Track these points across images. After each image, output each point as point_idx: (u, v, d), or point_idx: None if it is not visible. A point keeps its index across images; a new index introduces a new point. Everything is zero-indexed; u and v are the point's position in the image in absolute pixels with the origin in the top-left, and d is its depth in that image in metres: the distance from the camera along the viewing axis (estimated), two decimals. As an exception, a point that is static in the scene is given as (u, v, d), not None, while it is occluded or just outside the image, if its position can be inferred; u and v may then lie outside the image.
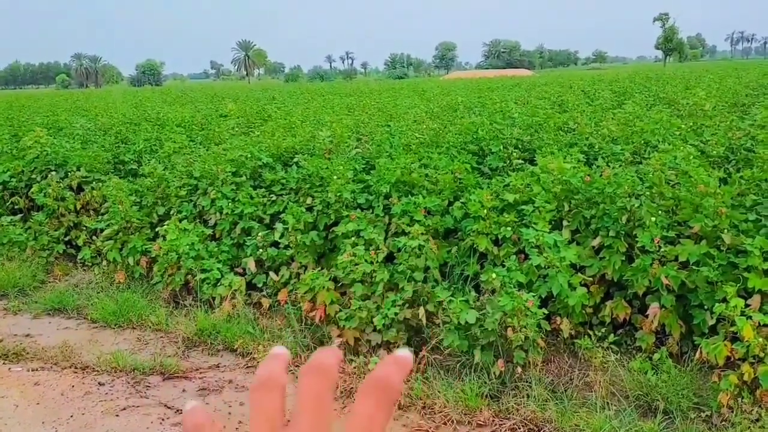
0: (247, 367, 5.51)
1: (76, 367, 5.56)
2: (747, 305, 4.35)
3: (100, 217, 8.04)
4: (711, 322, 4.61)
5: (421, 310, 5.34)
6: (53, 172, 8.73)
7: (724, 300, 4.37)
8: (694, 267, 4.91)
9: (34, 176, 9.14)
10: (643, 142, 7.93)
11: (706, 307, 4.74)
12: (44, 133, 9.79)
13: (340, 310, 5.53)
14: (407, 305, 5.45)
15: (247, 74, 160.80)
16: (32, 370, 5.55)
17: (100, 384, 5.29)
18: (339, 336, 5.43)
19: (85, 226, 8.13)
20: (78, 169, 8.88)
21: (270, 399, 0.51)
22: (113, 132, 12.26)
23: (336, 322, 5.52)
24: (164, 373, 5.43)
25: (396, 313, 5.25)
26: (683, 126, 8.55)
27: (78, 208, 8.49)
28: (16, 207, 9.13)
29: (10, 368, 5.59)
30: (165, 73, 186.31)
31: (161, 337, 6.15)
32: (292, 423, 0.49)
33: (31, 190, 8.72)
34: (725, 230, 4.96)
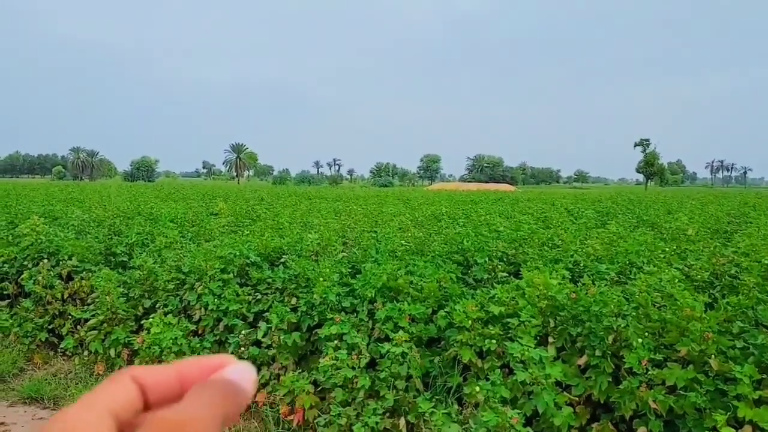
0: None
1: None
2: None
3: (86, 306, 7.97)
4: (699, 450, 4.54)
5: (402, 421, 5.25)
6: (45, 260, 8.71)
7: (714, 429, 4.33)
8: (681, 392, 4.88)
9: (26, 263, 9.12)
10: (627, 262, 8.05)
11: (693, 434, 4.67)
12: (41, 221, 9.83)
13: (319, 415, 5.42)
14: (388, 414, 5.35)
15: (237, 175, 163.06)
16: (3, 460, 5.36)
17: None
18: (318, 443, 5.29)
19: (71, 315, 8.04)
20: (69, 258, 8.88)
21: None
22: (107, 224, 12.33)
23: (314, 428, 5.39)
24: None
25: (377, 422, 5.15)
26: (667, 249, 8.70)
27: (65, 297, 8.42)
28: (4, 293, 9.07)
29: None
30: (158, 170, 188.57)
31: (136, 432, 5.96)
32: None
33: (22, 276, 8.68)
34: (713, 356, 4.96)
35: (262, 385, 6.34)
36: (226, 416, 0.45)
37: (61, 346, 7.74)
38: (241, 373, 0.49)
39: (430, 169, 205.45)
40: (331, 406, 5.44)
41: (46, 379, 7.06)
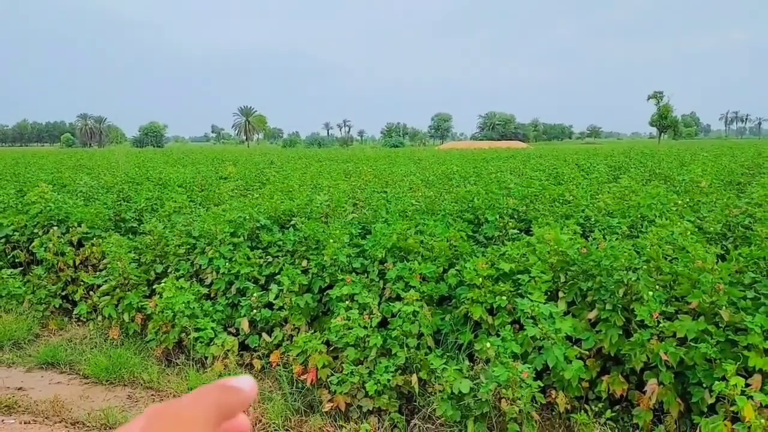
0: (237, 429, 5.40)
1: (67, 423, 5.50)
2: (747, 385, 4.31)
3: (98, 272, 8.03)
4: (710, 401, 4.53)
5: (414, 378, 5.28)
6: (55, 227, 8.77)
7: (724, 378, 4.32)
8: (692, 344, 4.87)
9: (36, 231, 9.18)
10: (639, 216, 7.98)
11: (705, 385, 4.67)
12: (49, 188, 9.86)
13: (332, 374, 5.46)
14: (400, 372, 5.39)
15: (246, 139, 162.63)
16: (25, 423, 5.50)
17: (90, 440, 5.22)
18: (330, 401, 5.34)
19: (83, 281, 8.11)
20: (79, 225, 8.93)
21: None
22: (115, 190, 12.38)
23: (327, 386, 5.44)
24: (154, 433, 5.31)
25: (389, 380, 5.18)
26: (680, 201, 8.62)
27: (77, 264, 8.50)
28: (16, 260, 9.17)
29: (3, 420, 5.55)
30: (167, 135, 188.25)
31: (152, 395, 6.07)
32: None
33: (33, 244, 8.76)
34: (723, 307, 4.93)
35: (276, 346, 6.40)
36: (220, 407, 0.48)
37: (75, 312, 7.83)
38: (238, 380, 0.53)
39: (441, 128, 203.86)
40: (343, 365, 5.48)
41: (61, 345, 7.16)
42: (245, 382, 0.53)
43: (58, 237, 8.55)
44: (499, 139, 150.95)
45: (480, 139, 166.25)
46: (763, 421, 4.06)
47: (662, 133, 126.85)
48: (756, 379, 4.41)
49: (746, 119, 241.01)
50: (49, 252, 8.40)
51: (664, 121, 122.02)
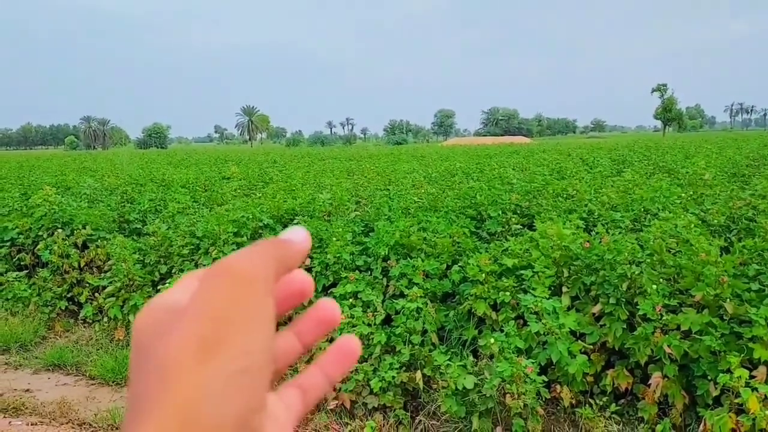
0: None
1: (74, 423, 5.53)
2: (752, 376, 4.30)
3: (103, 274, 8.06)
4: (715, 393, 4.53)
5: (418, 374, 5.28)
6: (59, 230, 8.80)
7: (729, 371, 4.32)
8: (696, 336, 4.86)
9: (40, 233, 9.21)
10: (642, 209, 7.97)
11: (709, 377, 4.66)
12: (53, 191, 9.89)
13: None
14: (404, 368, 5.39)
15: (250, 138, 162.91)
16: (31, 425, 5.52)
17: (97, 441, 5.25)
18: (335, 398, 5.35)
19: (88, 283, 8.14)
20: (84, 227, 8.95)
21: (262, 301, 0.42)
22: (119, 192, 12.42)
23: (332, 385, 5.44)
24: (160, 433, 5.33)
25: (393, 377, 5.19)
26: (683, 194, 8.60)
27: (82, 266, 8.53)
28: (22, 263, 9.19)
29: (10, 422, 5.58)
30: (170, 136, 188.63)
31: (158, 395, 6.08)
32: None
33: (38, 246, 8.80)
34: (728, 299, 4.93)
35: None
36: (279, 261, 0.44)
37: (80, 313, 7.85)
38: (290, 231, 0.49)
39: (444, 124, 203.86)
40: (348, 362, 5.48)
41: (67, 347, 7.18)
42: (298, 234, 0.49)
43: (62, 239, 8.57)
44: (502, 135, 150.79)
45: (483, 135, 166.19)
46: (767, 412, 4.05)
47: (667, 126, 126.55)
48: (761, 371, 4.40)
49: (751, 110, 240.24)
50: (54, 254, 8.43)
51: (668, 114, 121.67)
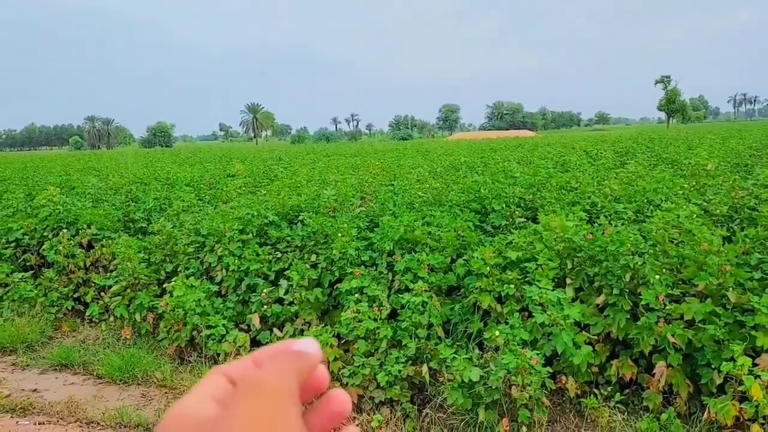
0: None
1: (81, 423, 5.56)
2: (755, 364, 4.32)
3: (108, 273, 8.10)
4: (719, 381, 4.55)
5: (425, 368, 5.32)
6: (64, 230, 8.83)
7: (732, 359, 4.34)
8: (700, 325, 4.89)
9: (46, 234, 9.25)
10: (645, 200, 7.99)
11: (713, 366, 4.69)
12: (57, 191, 9.93)
13: (344, 367, 5.51)
14: (410, 362, 5.43)
15: (254, 136, 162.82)
16: (39, 424, 5.56)
17: (105, 439, 5.29)
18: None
19: (94, 283, 8.18)
20: (89, 227, 9.00)
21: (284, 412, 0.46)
22: (124, 191, 12.47)
23: (339, 379, 5.48)
24: (168, 430, 5.38)
25: (399, 371, 5.23)
26: (686, 185, 8.61)
27: (87, 265, 8.57)
28: (27, 264, 9.23)
29: (18, 422, 5.60)
30: (175, 135, 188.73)
31: (166, 393, 6.12)
32: None
33: (43, 247, 8.83)
34: (730, 288, 4.95)
35: (287, 341, 6.43)
36: (299, 372, 0.48)
37: (87, 313, 7.89)
38: (304, 343, 0.52)
39: (449, 119, 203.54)
40: (354, 357, 5.52)
41: (74, 346, 7.21)
42: (312, 346, 0.52)
43: (68, 239, 8.62)
44: (507, 129, 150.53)
45: (488, 129, 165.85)
46: (771, 399, 4.08)
47: (671, 118, 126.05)
48: (764, 359, 4.42)
49: (755, 101, 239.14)
50: (59, 254, 8.47)
51: (672, 106, 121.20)
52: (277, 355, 0.49)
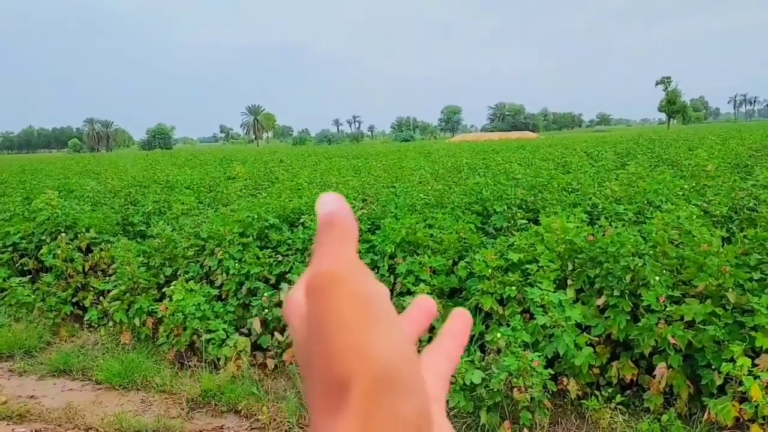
0: (252, 429, 5.45)
1: (80, 428, 5.53)
2: (755, 365, 4.32)
3: (107, 278, 8.07)
4: (719, 382, 4.55)
5: (426, 370, 5.30)
6: (63, 234, 8.78)
7: (732, 359, 4.34)
8: (700, 326, 4.88)
9: (44, 238, 9.19)
10: (646, 202, 7.99)
11: (713, 366, 4.69)
12: (55, 195, 9.92)
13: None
14: (412, 365, 5.42)
15: (255, 138, 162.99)
16: (36, 431, 5.52)
17: (103, 445, 5.27)
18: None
19: (93, 287, 8.14)
20: (87, 231, 8.96)
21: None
22: (123, 194, 12.45)
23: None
24: (168, 436, 5.37)
25: (401, 374, 5.21)
26: (686, 186, 8.62)
27: (86, 269, 8.52)
28: (25, 268, 9.17)
29: (14, 429, 5.56)
30: (175, 137, 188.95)
31: (165, 398, 6.10)
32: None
33: (41, 251, 8.77)
34: (730, 289, 4.95)
35: (288, 345, 6.43)
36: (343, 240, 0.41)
37: (85, 318, 7.84)
38: (324, 206, 0.43)
39: (451, 120, 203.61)
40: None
41: (73, 352, 7.16)
42: (328, 203, 0.42)
43: (66, 243, 8.56)
44: (509, 130, 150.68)
45: (490, 130, 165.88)
46: (771, 400, 4.07)
47: (671, 119, 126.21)
48: (763, 359, 4.41)
49: (755, 101, 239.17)
50: (57, 259, 8.41)
51: (672, 107, 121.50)
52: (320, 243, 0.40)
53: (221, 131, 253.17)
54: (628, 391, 5.23)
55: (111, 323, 7.44)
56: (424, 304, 0.51)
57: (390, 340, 0.37)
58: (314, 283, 0.38)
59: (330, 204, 0.42)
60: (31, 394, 6.34)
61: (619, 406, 4.87)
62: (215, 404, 5.85)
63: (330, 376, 0.36)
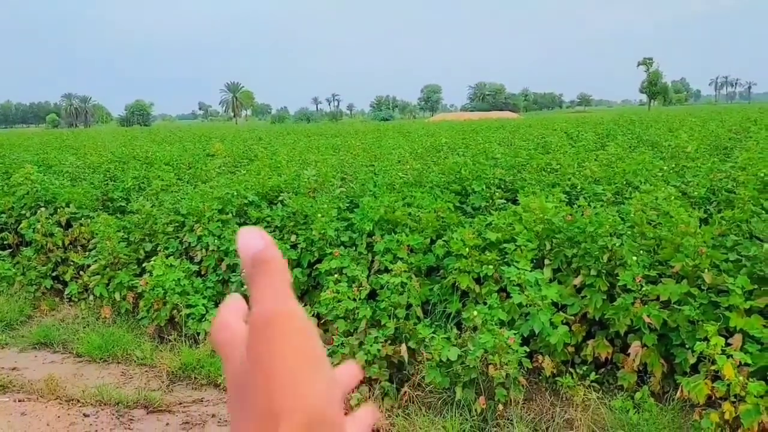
0: (231, 401, 5.49)
1: (61, 400, 5.56)
2: (728, 344, 4.40)
3: (87, 252, 8.04)
4: (692, 361, 4.63)
5: (403, 347, 5.35)
6: (42, 209, 8.74)
7: (705, 339, 4.41)
8: (675, 306, 4.96)
9: (23, 212, 9.16)
10: (625, 182, 8.06)
11: (687, 346, 4.77)
12: (34, 170, 9.82)
13: (323, 347, 5.53)
14: (389, 342, 5.46)
15: (234, 115, 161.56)
16: (19, 401, 5.57)
17: (85, 416, 5.32)
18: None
19: (73, 262, 8.13)
20: (67, 206, 8.92)
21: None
22: (102, 170, 12.33)
23: (319, 359, 5.51)
24: (148, 407, 5.43)
25: (378, 350, 5.26)
26: (665, 167, 8.69)
27: (66, 244, 8.50)
28: (5, 242, 9.16)
29: (-3, 399, 5.60)
30: (154, 113, 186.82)
31: (146, 371, 6.14)
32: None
33: (21, 225, 8.73)
34: (706, 270, 5.02)
35: (266, 322, 6.44)
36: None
37: (66, 292, 7.85)
38: (249, 241, 0.45)
39: (430, 99, 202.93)
40: (333, 337, 5.54)
41: (54, 325, 7.19)
42: (251, 238, 0.45)
43: (46, 218, 8.53)
44: (489, 110, 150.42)
45: (471, 110, 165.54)
46: (742, 378, 4.16)
47: (652, 100, 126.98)
48: (737, 339, 4.50)
49: (736, 84, 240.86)
50: (37, 233, 8.39)
51: (654, 88, 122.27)
52: (259, 272, 0.43)
53: (200, 108, 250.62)
54: (603, 369, 5.31)
55: (91, 298, 7.45)
56: (353, 370, 0.54)
57: (325, 383, 0.41)
58: (264, 320, 0.41)
59: (256, 239, 0.45)
60: (13, 366, 6.38)
61: (594, 384, 4.95)
62: (195, 377, 5.90)
63: (267, 409, 0.39)
